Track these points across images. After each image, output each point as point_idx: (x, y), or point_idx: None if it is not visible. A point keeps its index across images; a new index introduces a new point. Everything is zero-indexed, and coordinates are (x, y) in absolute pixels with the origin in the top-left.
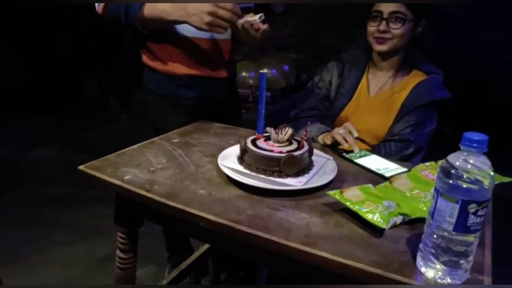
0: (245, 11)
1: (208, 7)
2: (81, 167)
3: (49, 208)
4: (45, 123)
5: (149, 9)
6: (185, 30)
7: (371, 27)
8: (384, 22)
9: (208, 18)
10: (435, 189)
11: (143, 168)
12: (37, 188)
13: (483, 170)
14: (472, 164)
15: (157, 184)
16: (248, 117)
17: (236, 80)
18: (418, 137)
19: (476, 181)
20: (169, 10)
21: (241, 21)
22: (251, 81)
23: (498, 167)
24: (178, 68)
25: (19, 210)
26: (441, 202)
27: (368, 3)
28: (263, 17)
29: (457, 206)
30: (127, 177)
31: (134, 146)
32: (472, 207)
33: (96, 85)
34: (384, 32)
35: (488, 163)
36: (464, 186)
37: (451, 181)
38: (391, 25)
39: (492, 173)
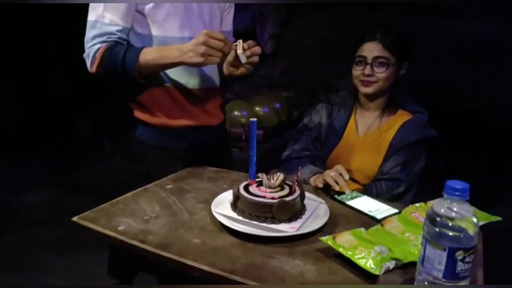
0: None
1: (201, 37)
2: (75, 219)
3: (42, 254)
4: (38, 164)
5: (146, 55)
6: (175, 81)
7: (356, 71)
8: (368, 67)
9: (202, 49)
10: (423, 236)
11: (137, 217)
12: (30, 233)
13: (466, 217)
14: (456, 212)
15: (151, 234)
16: (241, 156)
17: (225, 124)
18: (408, 176)
19: (461, 229)
20: (165, 53)
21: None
22: (243, 120)
23: (489, 197)
24: (170, 120)
25: (12, 256)
26: (429, 249)
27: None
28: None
29: (444, 254)
30: (121, 228)
31: (128, 194)
32: (459, 254)
33: (90, 124)
34: (369, 75)
35: (471, 210)
36: (450, 234)
37: (437, 229)
38: (375, 69)
39: (475, 220)
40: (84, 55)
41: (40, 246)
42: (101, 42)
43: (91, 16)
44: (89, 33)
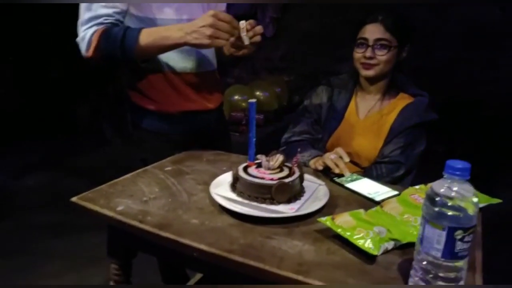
0: None
1: (208, 19)
2: (74, 199)
3: (42, 237)
4: (37, 149)
5: (146, 37)
6: (172, 66)
7: (358, 54)
8: (369, 49)
9: (209, 31)
10: (422, 216)
11: (136, 198)
12: (29, 217)
13: (466, 197)
14: (456, 192)
15: (149, 215)
16: (241, 140)
17: (223, 107)
18: (408, 159)
19: (461, 208)
20: (166, 34)
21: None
22: (244, 104)
23: (489, 182)
24: (169, 106)
25: (11, 240)
26: (428, 229)
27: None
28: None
29: (443, 233)
30: (119, 208)
31: (127, 176)
32: (458, 234)
33: (89, 109)
34: (370, 58)
35: (472, 190)
36: (449, 213)
37: (436, 209)
38: (377, 51)
39: (475, 200)
40: (78, 39)
41: (40, 229)
42: (97, 25)
43: None
44: (84, 16)
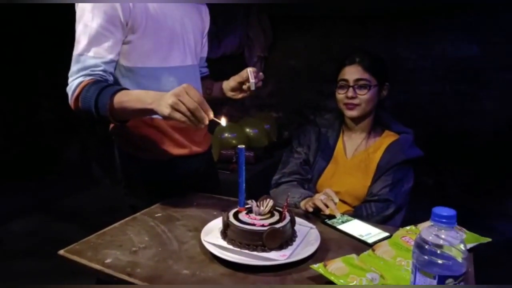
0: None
1: (177, 90)
2: (61, 252)
3: (30, 285)
4: (25, 192)
5: (123, 95)
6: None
7: (340, 95)
8: (351, 89)
9: (171, 99)
10: (413, 264)
11: (125, 248)
12: (17, 263)
13: (454, 245)
14: (444, 239)
15: (139, 267)
16: (232, 178)
17: (213, 145)
18: (397, 197)
19: (450, 257)
20: (141, 97)
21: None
22: (234, 142)
23: (479, 210)
24: (159, 153)
25: None
26: (419, 277)
27: None
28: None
29: (434, 282)
30: (108, 261)
31: (116, 224)
32: (449, 282)
33: (79, 150)
34: (352, 98)
35: (459, 237)
36: (439, 262)
37: (426, 257)
38: (358, 91)
39: (463, 248)
40: (67, 88)
41: (28, 277)
42: (84, 76)
43: (76, 50)
44: (73, 67)
